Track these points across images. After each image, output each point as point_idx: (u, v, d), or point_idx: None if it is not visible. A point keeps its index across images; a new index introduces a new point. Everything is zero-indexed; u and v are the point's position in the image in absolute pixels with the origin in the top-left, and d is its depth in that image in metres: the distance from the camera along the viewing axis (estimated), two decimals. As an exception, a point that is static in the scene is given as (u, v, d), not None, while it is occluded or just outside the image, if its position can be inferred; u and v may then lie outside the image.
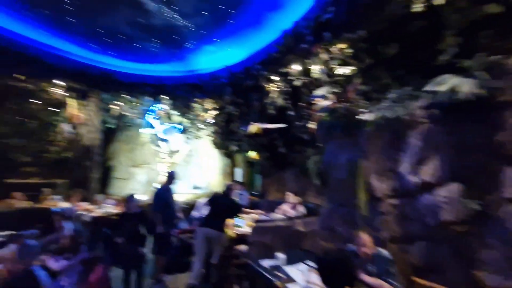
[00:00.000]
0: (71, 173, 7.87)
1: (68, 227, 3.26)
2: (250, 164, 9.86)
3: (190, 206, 8.96)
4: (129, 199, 4.19)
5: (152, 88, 6.97)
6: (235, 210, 4.35)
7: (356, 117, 3.65)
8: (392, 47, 3.87)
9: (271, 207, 5.61)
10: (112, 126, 10.58)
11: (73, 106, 7.69)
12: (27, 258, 2.17)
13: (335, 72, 4.93)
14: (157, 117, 10.23)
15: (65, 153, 9.19)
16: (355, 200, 3.64)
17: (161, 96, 7.28)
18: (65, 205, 6.20)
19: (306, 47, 5.31)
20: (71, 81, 6.01)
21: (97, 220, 6.02)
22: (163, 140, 12.77)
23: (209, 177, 13.92)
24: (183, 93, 7.01)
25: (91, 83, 6.31)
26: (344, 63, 4.73)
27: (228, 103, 6.89)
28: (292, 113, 6.32)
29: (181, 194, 12.47)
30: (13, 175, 11.52)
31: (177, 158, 13.28)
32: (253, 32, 6.07)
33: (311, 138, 5.70)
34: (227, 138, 7.82)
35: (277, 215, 5.20)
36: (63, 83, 6.17)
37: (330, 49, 4.93)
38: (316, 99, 4.93)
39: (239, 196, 6.30)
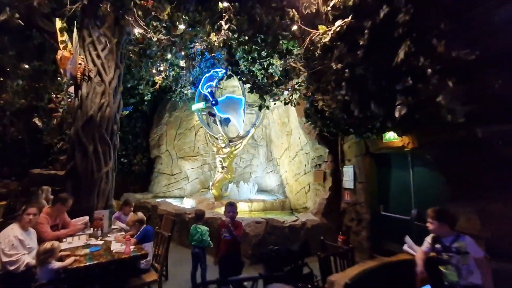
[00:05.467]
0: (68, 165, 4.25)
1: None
2: (380, 158, 4.99)
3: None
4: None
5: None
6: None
7: None
8: None
9: None
10: (146, 94, 6.87)
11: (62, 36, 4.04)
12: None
13: None
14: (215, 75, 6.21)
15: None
16: None
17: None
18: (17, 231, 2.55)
19: None
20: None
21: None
22: (220, 120, 8.76)
23: (288, 177, 9.28)
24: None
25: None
26: None
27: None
28: None
29: (240, 201, 7.81)
30: (41, 164, 9.15)
31: (239, 147, 9.08)
32: None
33: None
34: (360, 95, 3.13)
35: None
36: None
37: None
38: None
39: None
